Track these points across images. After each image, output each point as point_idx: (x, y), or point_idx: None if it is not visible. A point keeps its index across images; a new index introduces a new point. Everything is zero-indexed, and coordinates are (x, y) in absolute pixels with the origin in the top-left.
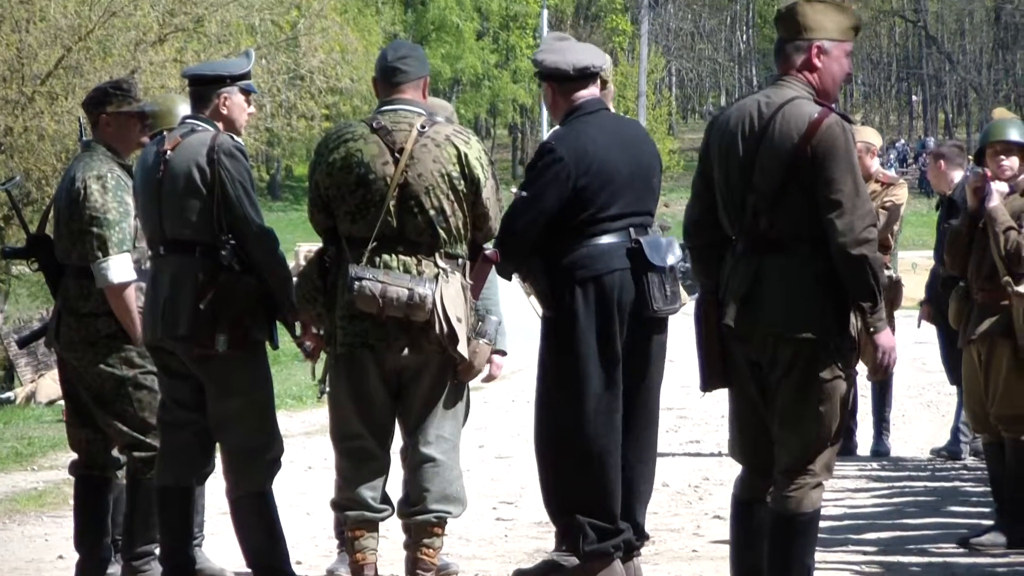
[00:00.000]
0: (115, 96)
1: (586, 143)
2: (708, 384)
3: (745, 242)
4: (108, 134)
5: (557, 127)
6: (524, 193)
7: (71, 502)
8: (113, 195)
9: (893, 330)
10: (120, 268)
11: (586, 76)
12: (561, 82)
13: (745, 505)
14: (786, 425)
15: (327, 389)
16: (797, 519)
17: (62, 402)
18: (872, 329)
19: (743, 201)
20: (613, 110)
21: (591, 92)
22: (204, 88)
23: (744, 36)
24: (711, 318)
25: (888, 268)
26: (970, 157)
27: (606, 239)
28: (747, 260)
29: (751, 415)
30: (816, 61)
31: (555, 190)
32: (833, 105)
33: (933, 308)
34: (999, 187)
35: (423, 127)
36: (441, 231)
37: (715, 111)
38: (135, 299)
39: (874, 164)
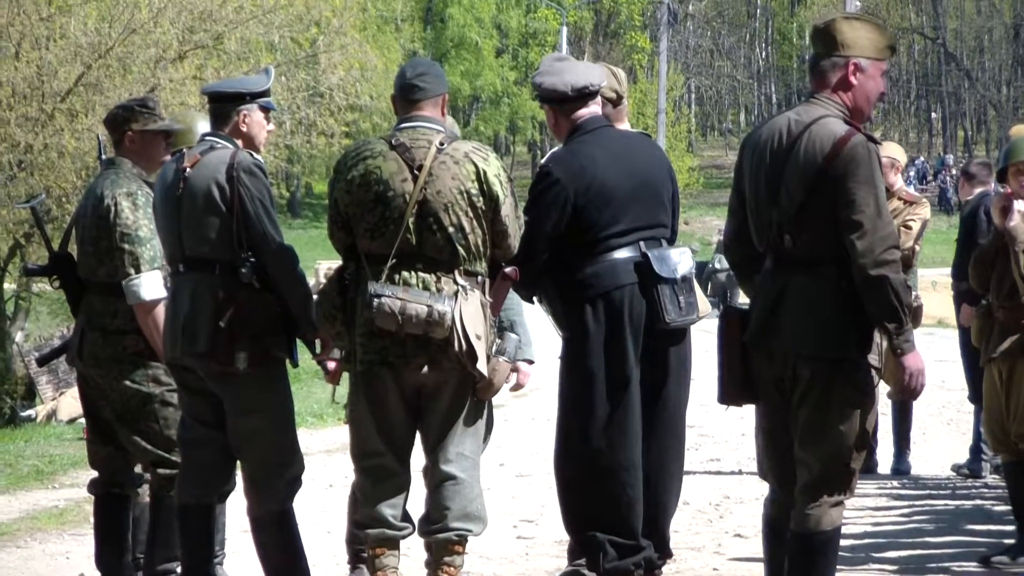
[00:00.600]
0: (141, 114)
1: (583, 162)
2: (726, 398)
3: (772, 259)
4: (133, 152)
5: (556, 148)
6: (526, 218)
7: (92, 520)
8: (144, 212)
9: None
10: (152, 285)
11: (585, 95)
12: (561, 103)
13: (776, 524)
14: (806, 444)
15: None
16: (816, 537)
17: (83, 420)
18: (899, 351)
19: (769, 218)
20: (628, 126)
21: (592, 111)
22: (224, 105)
23: (763, 53)
24: (733, 333)
25: (909, 286)
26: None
27: (615, 255)
28: (772, 277)
29: (779, 432)
30: (852, 79)
31: (554, 212)
32: (862, 125)
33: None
34: (1020, 206)
35: (442, 144)
36: (460, 248)
37: (734, 128)
38: (163, 316)
39: (898, 181)
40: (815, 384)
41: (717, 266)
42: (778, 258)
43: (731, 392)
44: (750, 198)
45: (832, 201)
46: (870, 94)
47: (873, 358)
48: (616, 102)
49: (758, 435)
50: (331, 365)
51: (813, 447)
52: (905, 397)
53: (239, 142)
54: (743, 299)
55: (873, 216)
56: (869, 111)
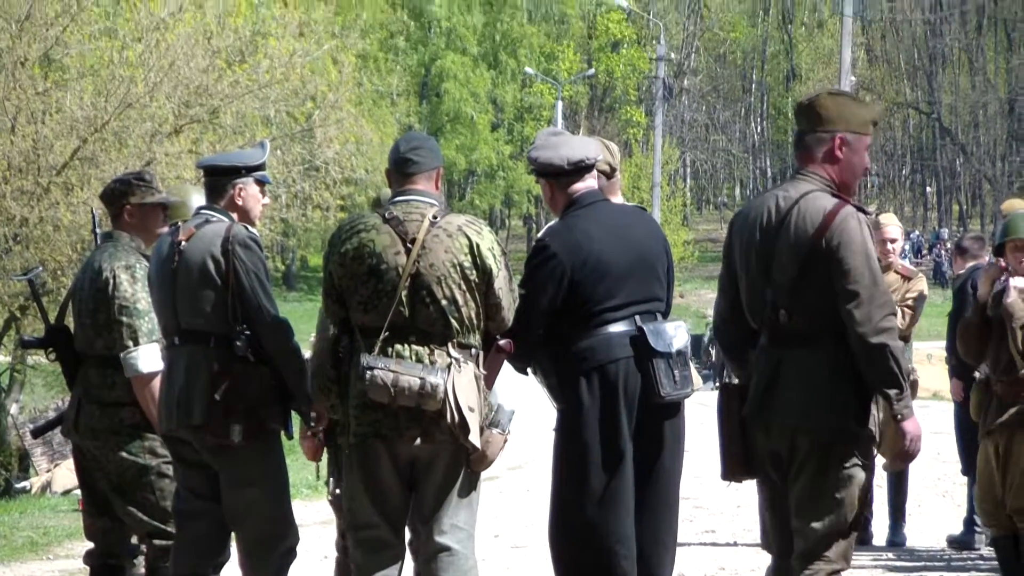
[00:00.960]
0: (138, 187)
1: (579, 237)
2: (729, 474)
3: (767, 335)
4: (132, 225)
5: (552, 222)
6: (522, 291)
7: None
8: (142, 285)
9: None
10: (149, 358)
11: (581, 169)
12: (557, 177)
13: None
14: (802, 513)
15: (334, 488)
16: None
17: (78, 491)
18: (899, 416)
19: (763, 294)
20: (621, 199)
21: (588, 184)
22: (219, 179)
23: (758, 127)
24: (732, 409)
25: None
26: (989, 250)
27: (610, 329)
28: (768, 353)
29: (777, 504)
30: (838, 153)
31: (551, 286)
32: (850, 198)
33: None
34: (1017, 283)
35: (435, 217)
36: (453, 321)
37: (729, 202)
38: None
39: (895, 256)
40: (813, 454)
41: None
42: (773, 334)
43: (734, 467)
44: (742, 276)
45: (826, 274)
46: (856, 168)
47: (869, 431)
48: (609, 175)
49: (760, 508)
50: (307, 444)
51: (811, 516)
52: (897, 467)
53: (234, 215)
54: None
55: (869, 285)
56: (854, 185)
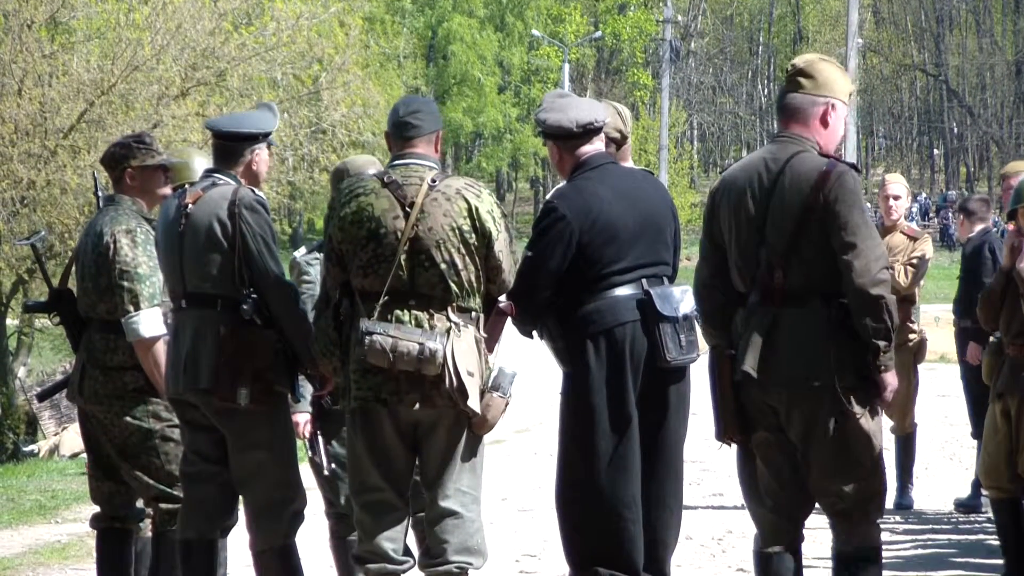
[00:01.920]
0: (138, 150)
1: (589, 199)
2: (724, 434)
3: (759, 295)
4: (133, 188)
5: (561, 184)
6: (530, 253)
7: (94, 555)
8: (143, 249)
9: (918, 384)
10: (150, 322)
11: (589, 132)
12: (565, 140)
13: (771, 557)
14: (829, 473)
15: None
16: (869, 554)
17: (85, 455)
18: (883, 367)
19: (756, 256)
20: (632, 164)
21: (596, 147)
22: (237, 144)
23: (765, 90)
24: (724, 371)
25: (912, 322)
26: (1002, 215)
27: (617, 292)
28: (762, 312)
29: (776, 460)
30: (829, 119)
31: (559, 249)
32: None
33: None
34: None
35: (434, 181)
36: (453, 285)
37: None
38: (163, 353)
39: (900, 216)
40: (822, 415)
41: None
42: (766, 294)
43: (729, 429)
44: (731, 240)
45: (821, 230)
46: (838, 134)
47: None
48: (621, 142)
49: (753, 466)
50: (303, 420)
51: (841, 476)
52: (865, 407)
53: (242, 179)
54: None
55: (866, 237)
56: (834, 152)
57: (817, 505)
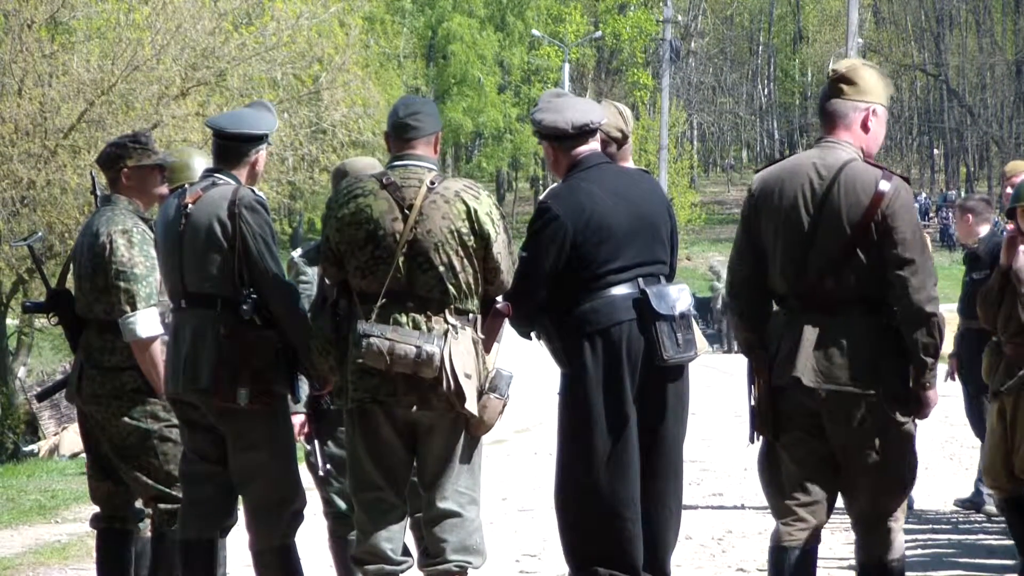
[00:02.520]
0: (134, 150)
1: (582, 199)
2: (761, 432)
3: (802, 301)
4: (129, 188)
5: (555, 185)
6: (525, 254)
7: (94, 555)
8: (139, 249)
9: None
10: (147, 322)
11: (585, 133)
12: (560, 140)
13: (786, 552)
14: (867, 479)
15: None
16: (891, 563)
17: (85, 455)
18: (928, 385)
19: (804, 261)
20: (632, 164)
21: (591, 147)
22: (242, 144)
23: (765, 90)
24: (763, 374)
25: None
26: (1001, 215)
27: (613, 291)
28: (807, 319)
29: (808, 461)
30: (870, 124)
31: (554, 249)
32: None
33: (960, 361)
34: None
35: (433, 183)
36: (451, 287)
37: (736, 164)
38: (161, 353)
39: None
40: (866, 421)
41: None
42: (812, 301)
43: (764, 430)
44: (776, 244)
45: (875, 243)
46: (880, 139)
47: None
48: (621, 142)
49: (779, 467)
50: (299, 420)
51: (875, 484)
52: (908, 417)
53: (242, 179)
54: None
55: (920, 253)
56: (874, 156)
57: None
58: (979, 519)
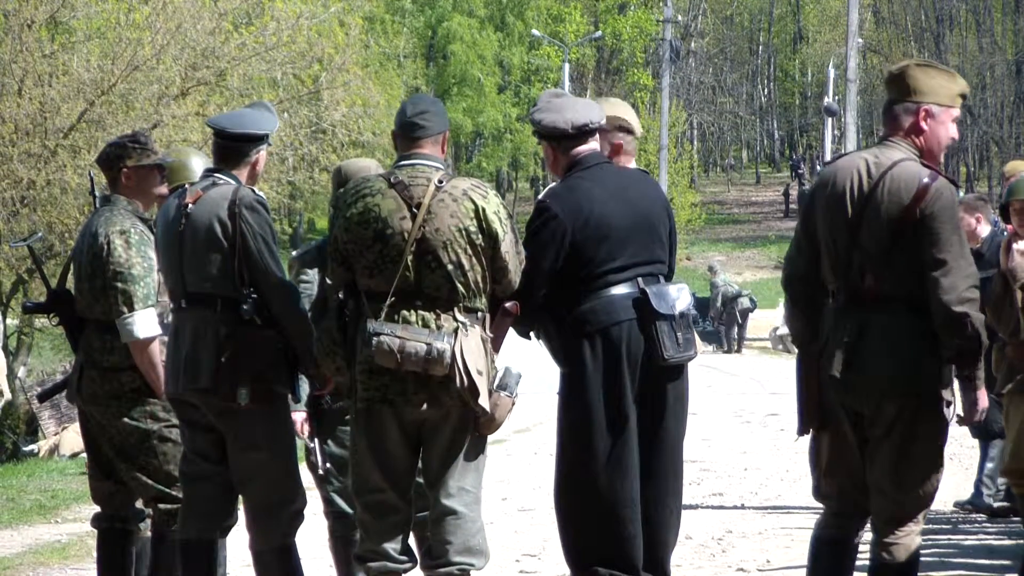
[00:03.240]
0: (134, 150)
1: (580, 198)
2: (806, 429)
3: (847, 297)
4: (129, 188)
5: (553, 184)
6: (524, 254)
7: (95, 555)
8: (137, 250)
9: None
10: (145, 323)
11: (584, 133)
12: (559, 140)
13: (829, 544)
14: (893, 478)
15: (314, 459)
16: (904, 565)
17: (85, 455)
18: (971, 387)
19: (849, 258)
20: (634, 164)
21: (590, 147)
22: (243, 144)
23: (765, 90)
24: (811, 366)
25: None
26: (994, 210)
27: (612, 291)
28: (852, 315)
29: (848, 460)
30: (923, 124)
31: (552, 248)
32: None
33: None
34: (1020, 246)
35: (441, 182)
36: (459, 285)
37: (736, 164)
38: (159, 353)
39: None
40: (900, 419)
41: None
42: (856, 296)
43: (812, 422)
44: (826, 238)
45: (916, 241)
46: (941, 139)
47: (948, 395)
48: (634, 133)
49: (822, 462)
50: (299, 420)
51: (902, 481)
52: (966, 424)
53: (243, 179)
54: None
55: (957, 255)
56: (939, 155)
57: (815, 506)
58: (979, 519)
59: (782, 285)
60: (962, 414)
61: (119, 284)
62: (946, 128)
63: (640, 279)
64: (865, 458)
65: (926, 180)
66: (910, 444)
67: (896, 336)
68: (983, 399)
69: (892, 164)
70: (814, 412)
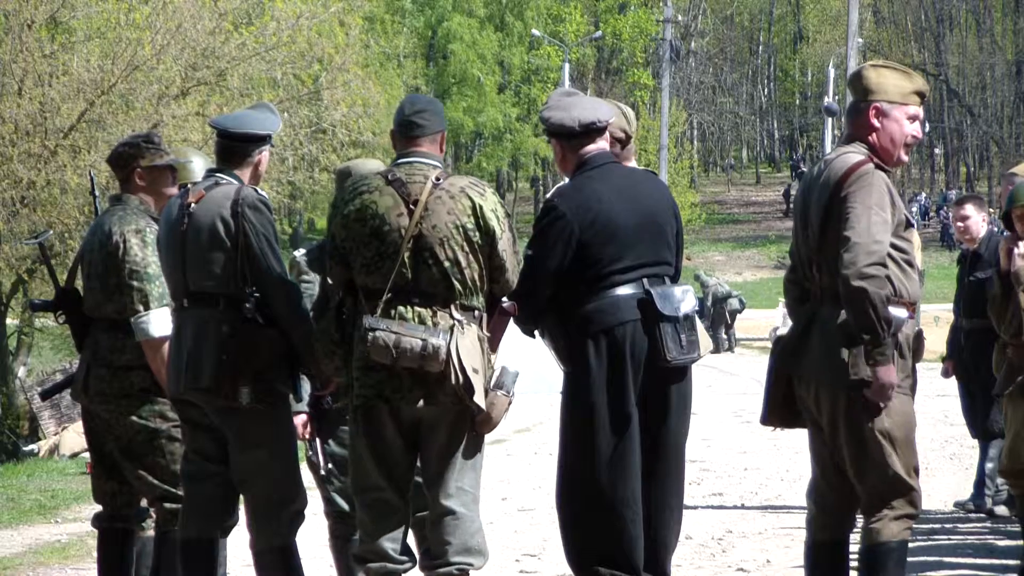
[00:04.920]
0: (147, 150)
1: (588, 198)
2: (767, 419)
3: (810, 292)
4: (141, 188)
5: (561, 183)
6: (530, 252)
7: (95, 554)
8: (152, 249)
9: (916, 384)
10: (160, 322)
11: (593, 131)
12: (569, 139)
13: (820, 547)
14: (855, 470)
15: (315, 459)
16: (879, 548)
17: (86, 454)
18: (872, 361)
19: (802, 254)
20: (635, 164)
21: (599, 146)
22: (245, 144)
23: (765, 90)
24: (782, 360)
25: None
26: (991, 211)
27: (618, 291)
28: (805, 309)
29: (820, 452)
30: (874, 121)
31: (559, 247)
32: (891, 167)
33: (956, 362)
34: (1021, 249)
35: (438, 179)
36: (456, 283)
37: (736, 164)
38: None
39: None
40: (838, 413)
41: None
42: (812, 290)
43: (771, 414)
44: (794, 236)
45: (836, 228)
46: (894, 136)
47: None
48: (625, 142)
49: (811, 458)
50: (300, 420)
51: (861, 470)
52: (871, 407)
53: (245, 179)
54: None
55: (863, 231)
56: (896, 153)
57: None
58: (980, 519)
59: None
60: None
61: (135, 283)
62: (899, 125)
63: (646, 280)
64: (829, 454)
65: (851, 164)
66: (856, 431)
67: (832, 328)
68: (884, 376)
69: (836, 156)
70: (774, 405)
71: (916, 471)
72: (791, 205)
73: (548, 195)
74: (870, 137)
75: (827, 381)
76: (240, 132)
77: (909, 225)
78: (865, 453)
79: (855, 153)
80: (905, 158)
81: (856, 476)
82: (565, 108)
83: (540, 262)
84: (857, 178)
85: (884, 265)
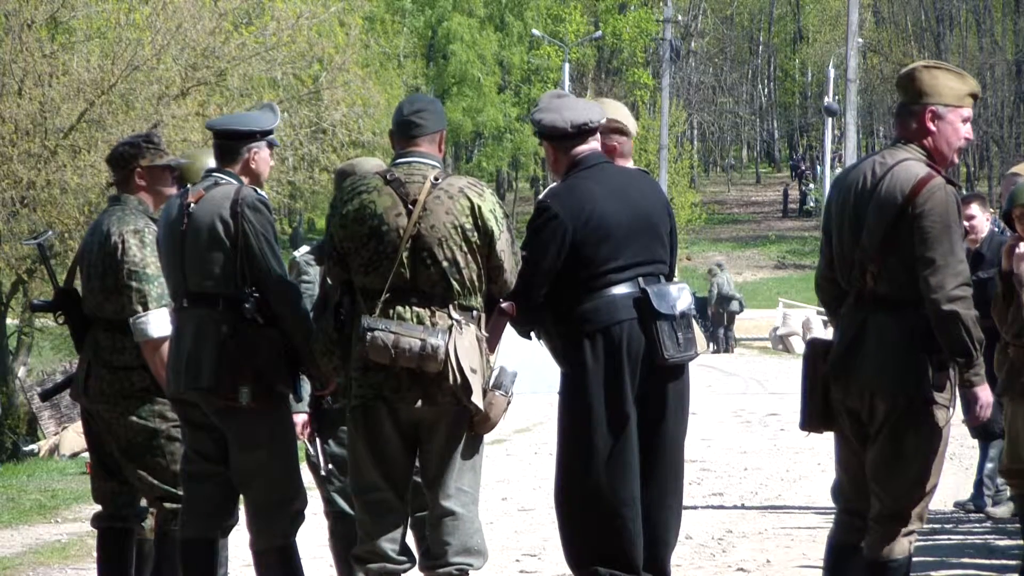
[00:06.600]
0: (147, 150)
1: (582, 198)
2: (807, 425)
3: (853, 296)
4: (141, 188)
5: (554, 184)
6: (524, 253)
7: (95, 554)
8: (151, 250)
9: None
10: (159, 322)
11: (584, 132)
12: (560, 140)
13: (841, 549)
14: (880, 477)
15: (315, 459)
16: (888, 565)
17: (86, 454)
18: (968, 383)
19: (853, 259)
20: (632, 164)
21: (591, 147)
22: (234, 143)
23: (765, 89)
24: (817, 363)
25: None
26: (992, 210)
27: (613, 290)
28: (853, 315)
29: (851, 460)
30: (930, 125)
31: (553, 248)
32: (944, 170)
33: None
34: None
35: (437, 179)
36: (454, 283)
37: (736, 164)
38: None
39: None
40: (890, 419)
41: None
42: (859, 296)
43: (812, 419)
44: (835, 238)
45: (909, 240)
46: (950, 139)
47: (944, 397)
48: (628, 133)
49: (836, 462)
50: (300, 420)
51: (888, 480)
52: (972, 426)
53: (244, 178)
54: (738, 333)
55: (946, 253)
56: (951, 156)
57: (815, 506)
58: (980, 519)
59: (815, 286)
60: (964, 416)
61: (134, 283)
62: (955, 128)
63: (641, 279)
64: (860, 461)
65: (921, 178)
66: (899, 443)
67: (889, 336)
68: (983, 395)
69: (895, 163)
70: (816, 410)
71: (935, 488)
72: (791, 205)
73: (540, 196)
74: (925, 141)
75: (888, 389)
76: (226, 129)
77: None
78: (900, 460)
79: (917, 162)
80: (956, 161)
81: (881, 481)
82: (556, 110)
83: (534, 263)
84: (930, 194)
85: (969, 285)
